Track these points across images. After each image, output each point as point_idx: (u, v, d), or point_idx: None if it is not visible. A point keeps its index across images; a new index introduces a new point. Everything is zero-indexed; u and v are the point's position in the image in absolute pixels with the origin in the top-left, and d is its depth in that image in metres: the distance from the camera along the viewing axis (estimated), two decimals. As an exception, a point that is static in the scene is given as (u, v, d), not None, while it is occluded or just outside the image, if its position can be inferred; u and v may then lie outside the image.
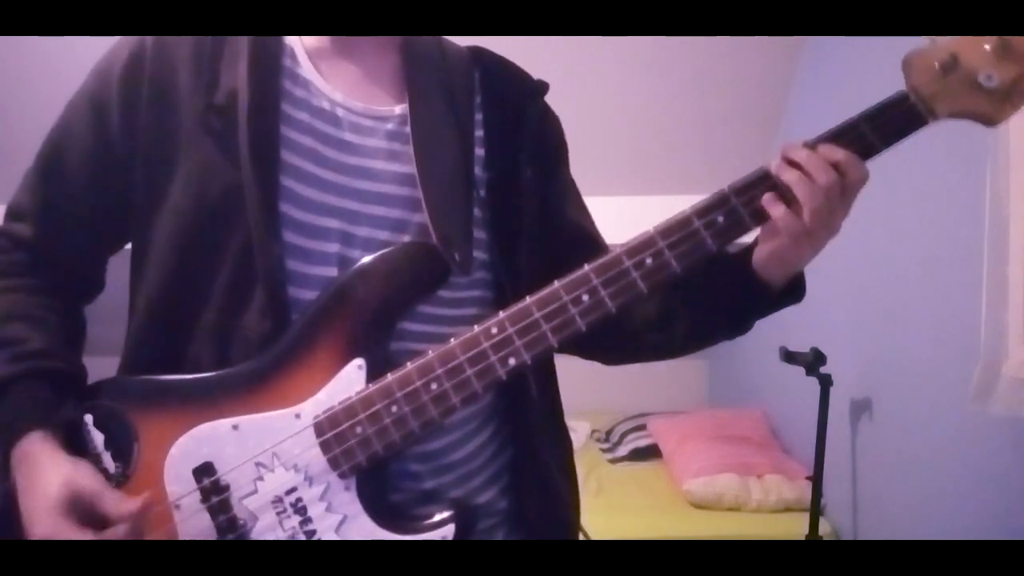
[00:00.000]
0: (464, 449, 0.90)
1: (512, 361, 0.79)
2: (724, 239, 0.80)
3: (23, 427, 0.79)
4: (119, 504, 0.76)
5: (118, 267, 0.92)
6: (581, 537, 0.98)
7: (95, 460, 0.81)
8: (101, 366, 0.89)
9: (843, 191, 0.78)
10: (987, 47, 0.76)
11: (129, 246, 0.91)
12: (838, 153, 0.77)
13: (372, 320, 0.82)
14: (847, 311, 2.44)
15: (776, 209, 0.78)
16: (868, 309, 2.31)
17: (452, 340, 0.81)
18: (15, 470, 0.78)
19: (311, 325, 0.82)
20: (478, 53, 1.00)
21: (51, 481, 0.76)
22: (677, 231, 0.79)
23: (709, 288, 0.83)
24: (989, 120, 0.78)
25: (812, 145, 0.78)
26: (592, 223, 1.04)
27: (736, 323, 0.92)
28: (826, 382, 2.25)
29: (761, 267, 0.85)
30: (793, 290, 0.88)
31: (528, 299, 0.80)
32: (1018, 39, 0.76)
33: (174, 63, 0.85)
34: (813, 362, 2.25)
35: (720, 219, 0.79)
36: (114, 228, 0.90)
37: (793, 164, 0.78)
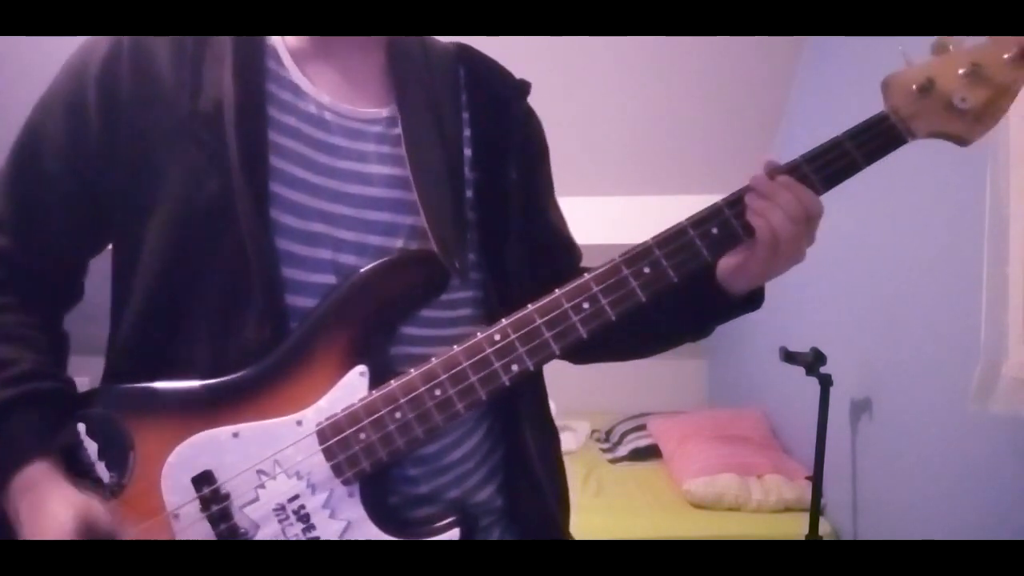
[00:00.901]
0: (460, 450, 0.90)
1: (515, 368, 0.80)
2: (718, 249, 0.83)
3: (23, 457, 0.77)
4: (137, 536, 0.76)
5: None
6: (566, 535, 0.98)
7: (89, 470, 0.80)
8: (100, 366, 0.89)
9: (807, 222, 0.82)
10: (961, 71, 0.80)
11: (111, 248, 0.89)
12: (800, 188, 0.81)
13: (373, 327, 0.82)
14: (847, 311, 2.44)
15: (758, 220, 0.82)
16: (868, 309, 2.31)
17: (455, 347, 0.81)
18: (16, 500, 0.76)
19: (312, 332, 0.81)
20: (462, 50, 0.99)
21: (61, 513, 0.74)
22: (673, 241, 0.82)
23: (675, 295, 0.84)
24: (962, 140, 0.83)
25: (785, 170, 0.82)
26: (567, 227, 1.06)
27: (698, 328, 0.96)
28: (826, 382, 2.25)
29: (725, 278, 0.88)
30: (752, 298, 0.91)
31: (529, 307, 0.81)
32: (988, 66, 0.80)
33: (154, 63, 0.83)
34: (813, 362, 2.25)
35: (714, 230, 0.82)
36: (94, 232, 0.88)
37: (763, 195, 0.82)
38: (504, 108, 0.97)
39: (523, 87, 0.99)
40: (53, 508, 0.75)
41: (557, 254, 1.02)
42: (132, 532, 0.76)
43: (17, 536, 0.76)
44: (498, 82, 0.98)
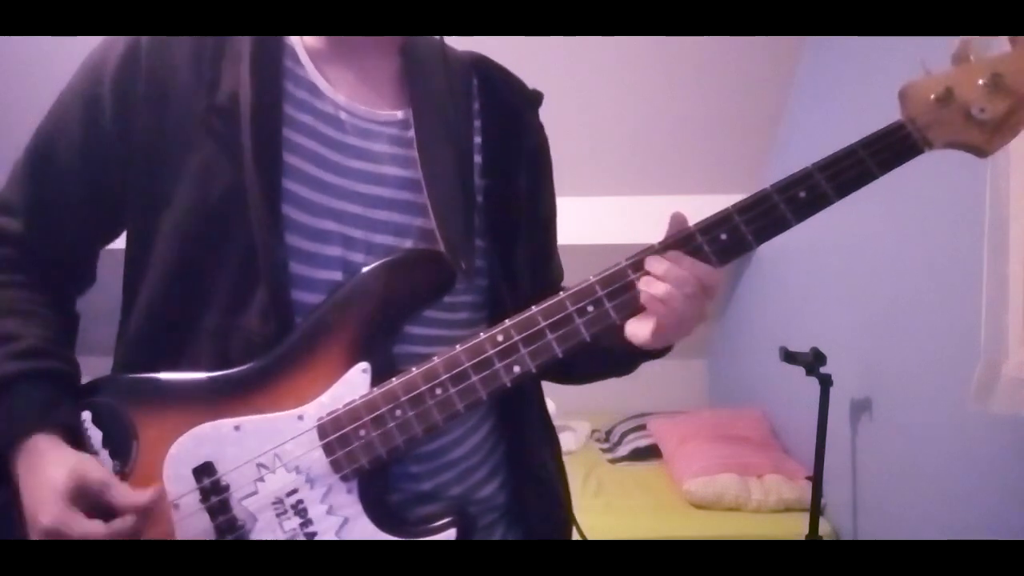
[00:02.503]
0: (463, 447, 0.90)
1: (517, 369, 0.80)
2: (724, 256, 0.82)
3: (25, 429, 0.78)
4: (127, 495, 0.76)
5: (119, 266, 0.92)
6: (575, 530, 0.99)
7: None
8: (101, 366, 0.89)
9: (705, 294, 0.80)
10: (980, 81, 0.79)
11: (122, 244, 0.90)
12: (697, 268, 0.79)
13: (377, 324, 0.83)
14: (847, 311, 2.44)
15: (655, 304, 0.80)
16: (868, 309, 2.31)
17: (457, 347, 0.81)
18: (17, 466, 0.78)
19: (316, 328, 0.82)
20: (477, 59, 1.00)
21: (57, 471, 0.75)
22: (681, 246, 0.81)
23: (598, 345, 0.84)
24: (980, 151, 0.82)
25: (797, 177, 0.80)
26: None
27: (624, 369, 0.98)
28: (826, 382, 2.25)
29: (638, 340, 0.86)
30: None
31: (533, 308, 0.81)
32: (1010, 75, 0.78)
33: (172, 62, 0.84)
34: (813, 362, 2.25)
35: (723, 236, 0.81)
36: (105, 224, 0.90)
37: (659, 278, 0.79)
38: (517, 118, 0.98)
39: (536, 98, 1.01)
40: (48, 465, 0.76)
41: (551, 267, 1.04)
42: (132, 520, 0.76)
43: (19, 498, 0.77)
44: (511, 92, 1.00)
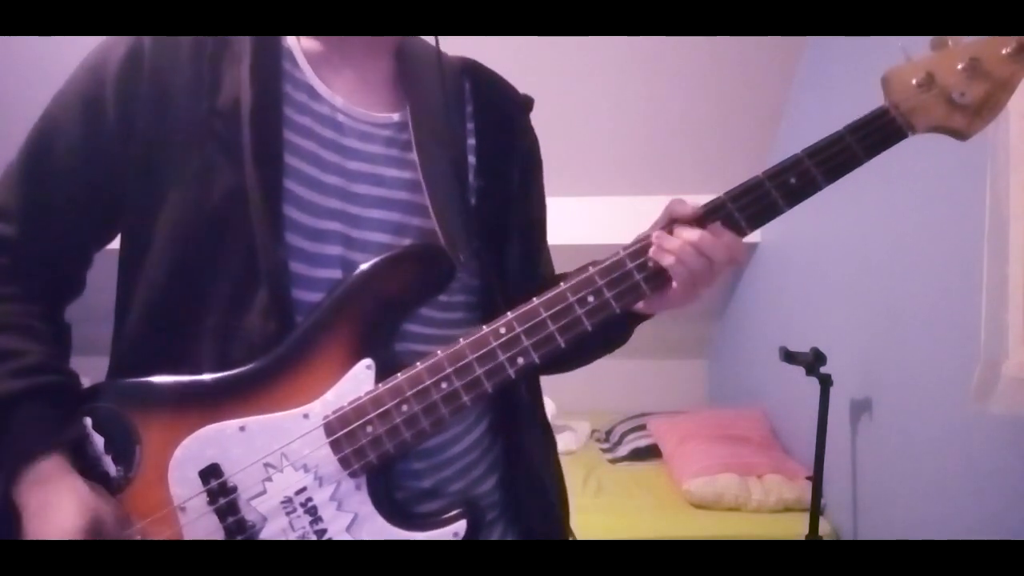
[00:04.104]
0: (463, 442, 0.92)
1: (521, 360, 0.81)
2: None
3: (32, 451, 0.77)
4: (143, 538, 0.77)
5: (115, 267, 0.91)
6: (568, 532, 1.00)
7: (95, 464, 0.80)
8: (101, 366, 0.89)
9: (713, 268, 0.83)
10: (960, 66, 0.81)
11: (115, 246, 0.89)
12: (705, 240, 0.81)
13: (380, 321, 0.83)
14: (847, 311, 2.44)
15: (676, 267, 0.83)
16: (868, 309, 2.31)
17: (461, 340, 0.82)
18: (25, 493, 0.77)
19: (318, 326, 0.82)
20: (468, 64, 1.02)
21: (71, 506, 0.75)
22: None
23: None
24: (961, 134, 0.83)
25: (785, 165, 0.82)
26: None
27: (615, 345, 0.99)
28: (826, 382, 2.25)
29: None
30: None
31: (535, 300, 0.82)
32: (987, 60, 0.80)
33: (174, 63, 0.84)
34: (813, 362, 2.25)
35: (718, 224, 0.82)
36: (102, 227, 0.89)
37: (669, 252, 0.82)
38: (508, 121, 1.00)
39: (527, 102, 1.03)
40: (63, 505, 0.75)
41: (541, 264, 1.05)
42: (139, 525, 0.77)
43: (22, 528, 0.76)
44: (503, 96, 1.01)
